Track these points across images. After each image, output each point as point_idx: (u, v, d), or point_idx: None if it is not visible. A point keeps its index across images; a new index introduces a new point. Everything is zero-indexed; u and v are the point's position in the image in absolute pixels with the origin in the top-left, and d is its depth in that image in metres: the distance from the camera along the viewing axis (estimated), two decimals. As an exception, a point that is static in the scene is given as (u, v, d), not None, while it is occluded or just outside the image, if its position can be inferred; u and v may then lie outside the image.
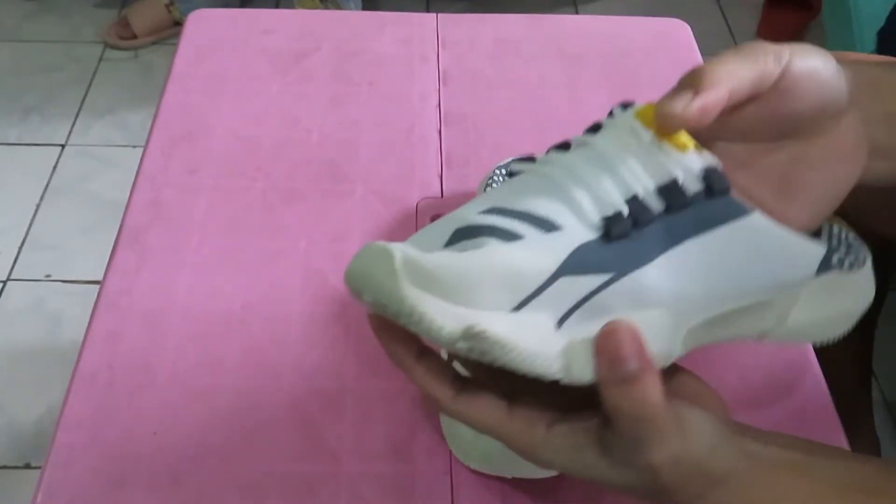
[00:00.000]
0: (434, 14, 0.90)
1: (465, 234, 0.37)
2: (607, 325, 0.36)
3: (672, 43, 0.88)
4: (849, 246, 0.46)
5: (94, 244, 1.54)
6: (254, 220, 0.69)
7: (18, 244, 1.57)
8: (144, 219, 0.68)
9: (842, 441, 0.56)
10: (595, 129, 0.41)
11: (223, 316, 0.62)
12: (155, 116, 0.77)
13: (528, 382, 0.37)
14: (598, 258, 0.37)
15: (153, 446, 0.54)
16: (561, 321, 0.37)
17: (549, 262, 0.36)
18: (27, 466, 1.27)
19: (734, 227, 0.39)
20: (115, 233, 0.67)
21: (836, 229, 0.46)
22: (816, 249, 0.42)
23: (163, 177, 0.72)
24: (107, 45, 2.01)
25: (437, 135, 0.77)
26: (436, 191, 0.72)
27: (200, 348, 0.60)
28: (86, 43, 2.02)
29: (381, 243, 0.34)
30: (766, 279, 0.41)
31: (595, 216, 0.38)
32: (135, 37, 2.00)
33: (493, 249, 0.36)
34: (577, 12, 2.15)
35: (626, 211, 0.38)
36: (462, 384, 0.39)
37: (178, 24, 1.99)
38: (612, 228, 0.37)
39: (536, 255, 0.36)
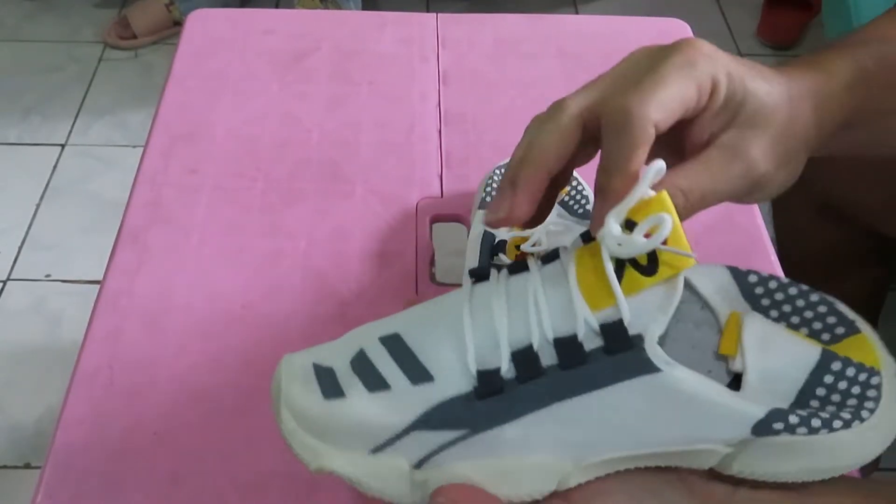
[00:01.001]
0: (434, 14, 0.90)
1: (358, 362, 0.40)
2: (434, 492, 0.38)
3: (672, 43, 0.88)
4: (843, 399, 0.38)
5: (94, 244, 1.54)
6: (254, 220, 0.69)
7: (18, 244, 1.57)
8: (144, 219, 0.68)
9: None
10: (552, 256, 0.40)
11: (223, 316, 0.62)
12: (155, 116, 0.77)
13: None
14: (458, 415, 0.38)
15: (153, 446, 0.54)
16: (419, 463, 0.39)
17: (402, 418, 0.38)
18: (27, 466, 1.27)
19: (637, 383, 0.36)
20: (115, 233, 0.67)
21: (843, 370, 0.38)
22: (748, 413, 0.37)
23: (163, 177, 0.72)
24: (107, 45, 2.01)
25: (437, 135, 0.77)
26: (436, 191, 0.72)
27: (200, 348, 0.60)
28: (86, 43, 2.02)
29: (286, 366, 0.41)
30: (677, 434, 0.38)
31: (473, 368, 0.38)
32: (135, 37, 2.00)
33: (352, 403, 0.39)
34: (577, 12, 2.15)
35: (505, 367, 0.37)
36: None
37: (177, 23, 1.99)
38: (483, 387, 0.37)
39: (392, 411, 0.39)
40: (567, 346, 0.37)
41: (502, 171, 0.65)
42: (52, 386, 1.32)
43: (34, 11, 2.10)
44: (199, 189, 0.71)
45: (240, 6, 2.06)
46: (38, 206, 1.64)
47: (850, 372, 0.38)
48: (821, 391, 0.38)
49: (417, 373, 0.39)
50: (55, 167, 1.72)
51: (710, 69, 0.39)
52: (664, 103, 0.38)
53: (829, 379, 0.38)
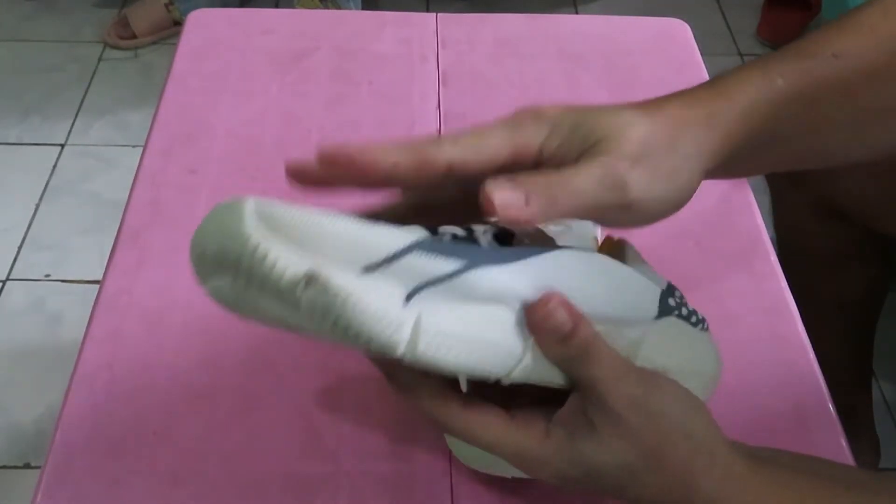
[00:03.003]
0: (434, 14, 0.90)
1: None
2: (539, 309, 0.38)
3: (672, 43, 0.88)
4: (689, 308, 0.47)
5: (94, 244, 1.55)
6: (254, 220, 0.69)
7: (18, 244, 1.57)
8: (144, 219, 0.68)
9: (841, 441, 0.56)
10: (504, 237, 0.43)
11: (223, 316, 0.62)
12: (155, 116, 0.77)
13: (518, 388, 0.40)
14: (451, 249, 0.38)
15: (153, 446, 0.54)
16: (409, 296, 0.36)
17: (401, 239, 0.36)
18: (27, 466, 1.27)
19: (583, 251, 0.42)
20: (115, 233, 0.67)
21: (683, 299, 0.47)
22: (655, 282, 0.45)
23: (163, 177, 0.72)
24: (106, 45, 2.01)
25: (437, 135, 0.77)
26: (436, 191, 0.72)
27: (200, 348, 0.60)
28: (86, 43, 2.02)
29: (233, 198, 0.35)
30: (613, 304, 0.42)
31: (448, 236, 0.39)
32: (134, 36, 2.00)
33: (342, 218, 0.36)
34: (577, 12, 2.15)
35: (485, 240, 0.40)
36: (464, 401, 0.40)
37: (177, 23, 1.99)
38: (462, 238, 0.39)
39: (388, 232, 0.37)
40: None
41: (502, 171, 0.65)
42: (52, 386, 1.31)
43: (34, 11, 2.10)
44: (199, 189, 0.71)
45: (240, 6, 2.06)
46: (37, 206, 1.64)
47: (690, 306, 0.47)
48: (672, 301, 0.46)
49: (398, 224, 0.38)
50: (55, 167, 1.72)
51: (534, 125, 0.40)
52: (483, 156, 0.40)
53: (673, 301, 0.46)
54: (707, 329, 0.48)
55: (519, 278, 0.39)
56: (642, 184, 0.40)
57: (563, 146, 0.40)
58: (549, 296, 0.38)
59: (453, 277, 0.37)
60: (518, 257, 0.40)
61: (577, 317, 0.39)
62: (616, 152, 0.39)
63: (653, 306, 0.44)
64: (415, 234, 0.37)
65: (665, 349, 0.44)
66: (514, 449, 0.40)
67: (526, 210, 0.37)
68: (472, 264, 0.38)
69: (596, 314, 0.41)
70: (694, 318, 0.47)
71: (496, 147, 0.40)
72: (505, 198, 0.36)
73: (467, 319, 0.38)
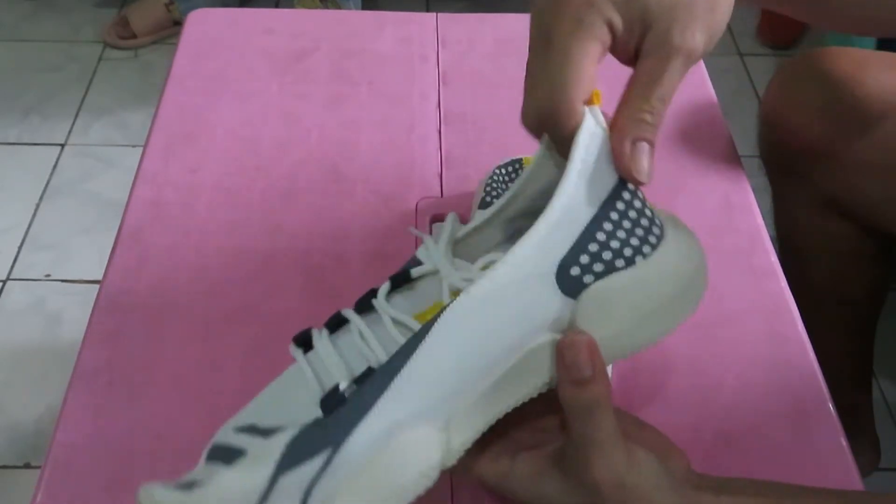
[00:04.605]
0: (434, 14, 0.90)
1: (216, 454, 0.42)
2: (566, 337, 0.39)
3: (672, 43, 0.88)
4: (615, 245, 0.41)
5: (94, 244, 1.55)
6: (254, 220, 0.69)
7: (18, 244, 1.57)
8: (144, 219, 0.68)
9: (841, 441, 0.56)
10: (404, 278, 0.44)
11: (223, 316, 0.62)
12: (155, 116, 0.77)
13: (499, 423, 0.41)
14: (314, 440, 0.40)
15: (153, 446, 0.54)
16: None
17: (264, 471, 0.39)
18: (27, 466, 1.27)
19: (451, 313, 0.40)
20: (115, 233, 0.67)
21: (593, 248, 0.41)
22: (548, 262, 0.40)
23: (163, 177, 0.72)
24: (106, 45, 2.01)
25: (436, 135, 0.77)
26: (435, 191, 0.72)
27: (200, 348, 0.60)
28: (85, 42, 2.02)
29: (144, 494, 0.41)
30: (504, 338, 0.41)
31: (318, 396, 0.41)
32: (134, 36, 2.00)
33: (215, 482, 0.40)
34: (576, 12, 2.15)
35: (344, 385, 0.41)
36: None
37: (177, 23, 1.99)
38: (328, 403, 0.40)
39: (251, 470, 0.40)
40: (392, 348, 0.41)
41: (502, 171, 0.65)
42: (52, 386, 1.32)
43: (34, 11, 2.10)
44: (199, 189, 0.71)
45: (240, 6, 2.06)
46: (37, 205, 1.64)
47: (622, 231, 0.42)
48: (575, 269, 0.41)
49: (269, 431, 0.41)
50: (55, 167, 1.72)
51: (597, 15, 0.43)
52: (581, 83, 0.44)
53: (577, 268, 0.41)
54: (653, 248, 0.42)
55: (385, 417, 0.40)
56: (701, 38, 0.43)
57: (624, 41, 0.44)
58: (576, 333, 0.40)
59: (328, 467, 0.39)
60: (380, 391, 0.40)
61: (597, 367, 0.39)
62: (671, 33, 0.42)
63: (546, 298, 0.40)
64: (275, 451, 0.40)
65: (602, 319, 0.40)
66: (480, 475, 0.43)
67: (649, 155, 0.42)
68: (337, 444, 0.39)
69: (491, 360, 0.40)
70: (621, 260, 0.41)
71: (593, 69, 0.44)
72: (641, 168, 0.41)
73: (363, 484, 0.39)
